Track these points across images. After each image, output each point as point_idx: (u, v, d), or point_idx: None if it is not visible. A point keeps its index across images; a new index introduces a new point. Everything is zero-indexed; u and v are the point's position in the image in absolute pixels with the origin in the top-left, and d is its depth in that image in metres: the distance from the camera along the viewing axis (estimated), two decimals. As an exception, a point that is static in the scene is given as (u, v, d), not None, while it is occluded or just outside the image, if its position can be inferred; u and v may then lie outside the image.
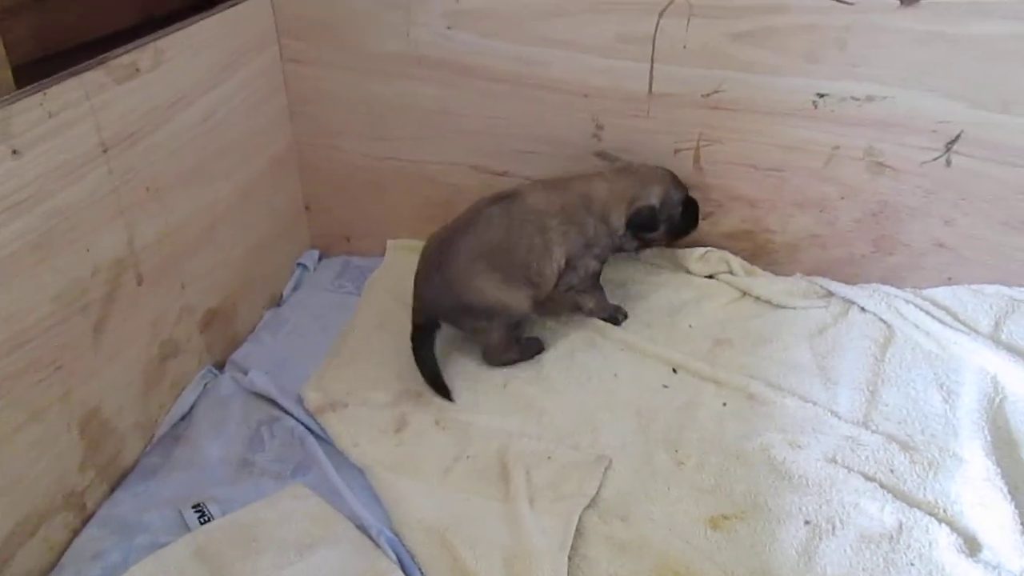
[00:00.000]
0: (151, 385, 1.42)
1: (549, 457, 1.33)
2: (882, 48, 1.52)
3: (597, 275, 1.60)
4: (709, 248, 1.75)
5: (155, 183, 1.39)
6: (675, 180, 1.62)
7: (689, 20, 1.57)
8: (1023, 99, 1.51)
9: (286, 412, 1.46)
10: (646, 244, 1.66)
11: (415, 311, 1.52)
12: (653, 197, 1.57)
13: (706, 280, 1.72)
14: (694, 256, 1.74)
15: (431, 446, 1.37)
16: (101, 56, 1.30)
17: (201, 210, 1.52)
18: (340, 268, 1.89)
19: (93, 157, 1.26)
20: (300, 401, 1.48)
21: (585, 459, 1.32)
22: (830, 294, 1.69)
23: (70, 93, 1.21)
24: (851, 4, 1.50)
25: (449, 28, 1.66)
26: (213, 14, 1.55)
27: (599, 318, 1.63)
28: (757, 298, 1.68)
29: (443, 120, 1.75)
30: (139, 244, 1.36)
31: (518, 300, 1.51)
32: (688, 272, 1.74)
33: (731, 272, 1.72)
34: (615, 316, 1.64)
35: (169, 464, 1.38)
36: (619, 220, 1.57)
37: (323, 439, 1.41)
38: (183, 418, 1.48)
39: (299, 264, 1.89)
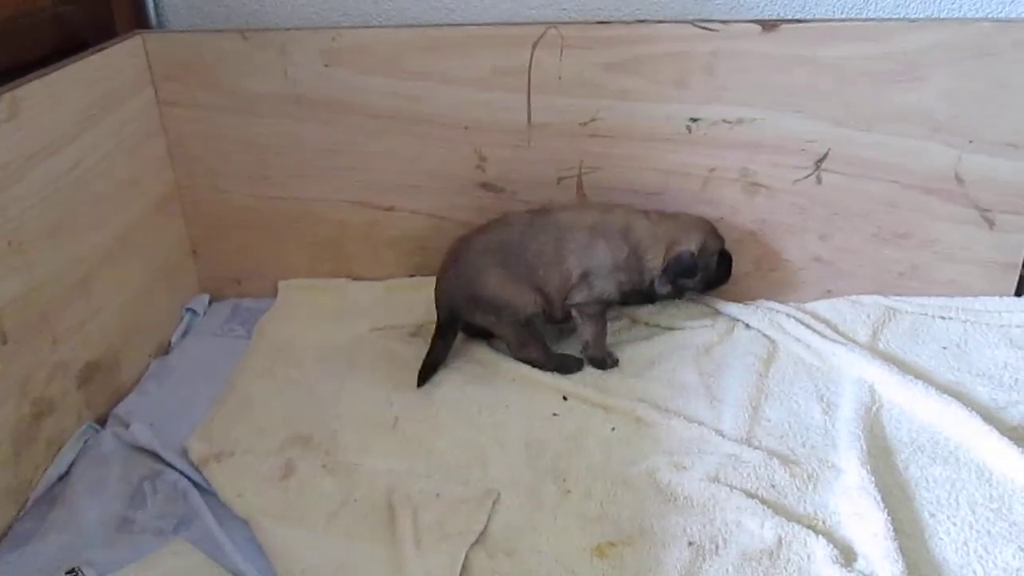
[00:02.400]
0: (23, 447, 1.36)
1: (437, 495, 1.31)
2: (748, 72, 1.57)
3: (607, 304, 1.59)
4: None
5: (17, 237, 1.33)
6: (713, 231, 1.62)
7: (562, 51, 1.59)
8: (882, 117, 1.58)
9: (169, 465, 1.41)
10: (679, 291, 1.64)
11: (436, 307, 1.60)
12: (693, 244, 1.57)
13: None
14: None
15: (317, 492, 1.34)
16: (-49, 109, 1.25)
17: (72, 262, 1.47)
18: (230, 312, 1.85)
19: (-55, 214, 1.21)
20: (185, 453, 1.44)
21: (473, 495, 1.31)
22: (716, 313, 1.72)
23: (-85, 150, 1.17)
24: (715, 31, 1.55)
25: (326, 66, 1.65)
26: (78, 60, 1.51)
27: (586, 355, 1.60)
28: (646, 323, 1.70)
29: (326, 158, 1.74)
30: (1, 302, 1.30)
31: (523, 298, 1.54)
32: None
33: (620, 297, 1.74)
34: (604, 360, 1.60)
35: (44, 528, 1.32)
36: (655, 261, 1.57)
37: (208, 491, 1.37)
38: (61, 478, 1.42)
39: (188, 310, 1.84)
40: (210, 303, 1.89)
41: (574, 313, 1.59)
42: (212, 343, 1.76)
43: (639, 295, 1.62)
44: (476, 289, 1.55)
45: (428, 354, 1.58)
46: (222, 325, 1.82)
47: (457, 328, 1.60)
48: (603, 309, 1.59)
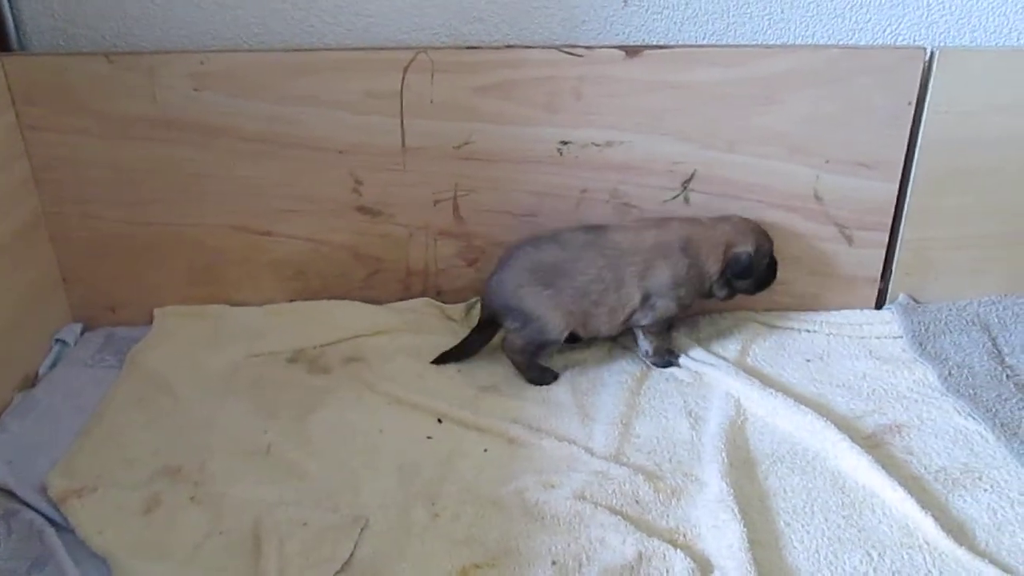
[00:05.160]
0: None
1: (305, 523, 1.29)
2: (614, 96, 1.61)
3: (671, 320, 1.63)
4: (477, 298, 1.78)
5: None
6: (764, 232, 1.65)
7: (433, 75, 1.60)
8: (744, 139, 1.65)
9: (26, 504, 1.36)
10: (733, 293, 1.67)
11: (481, 305, 1.67)
12: (750, 245, 1.61)
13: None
14: (460, 309, 1.79)
15: (182, 525, 1.31)
16: None
17: (-79, 294, 1.41)
18: (103, 341, 1.80)
19: None
20: (44, 490, 1.38)
21: (341, 522, 1.30)
22: (594, 331, 1.75)
23: None
24: (581, 56, 1.59)
25: (196, 90, 1.63)
26: (-73, 85, 1.46)
27: (649, 362, 1.65)
28: (524, 341, 1.72)
29: (199, 182, 1.71)
30: None
31: (555, 322, 1.57)
32: (458, 324, 1.77)
33: (499, 318, 1.76)
34: (668, 362, 1.65)
35: None
36: (714, 266, 1.60)
37: (67, 530, 1.32)
38: (-92, 522, 1.35)
39: (58, 340, 1.78)
40: (82, 332, 1.83)
41: (637, 331, 1.63)
42: (82, 374, 1.70)
43: (703, 297, 1.66)
44: (514, 300, 1.58)
45: (460, 343, 1.65)
46: (94, 355, 1.76)
47: (495, 330, 1.65)
48: (667, 325, 1.64)
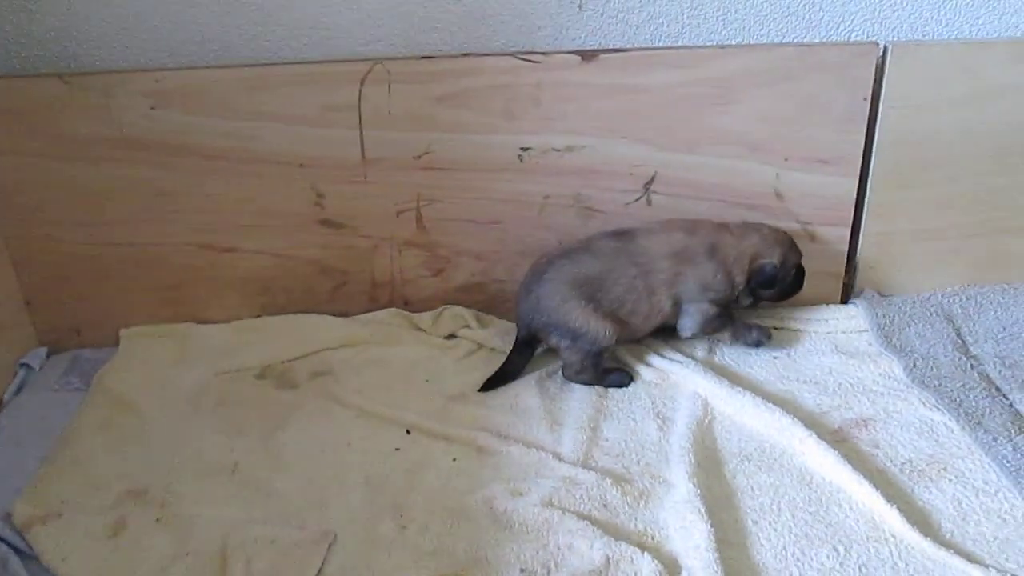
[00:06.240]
0: None
1: (272, 541, 1.29)
2: (572, 101, 1.62)
3: (719, 317, 1.63)
4: (444, 306, 1.78)
5: None
6: (793, 245, 1.67)
7: (390, 87, 1.60)
8: (703, 139, 1.65)
9: (-10, 532, 1.35)
10: (758, 301, 1.69)
11: (517, 325, 1.64)
12: (776, 256, 1.62)
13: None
14: (428, 318, 1.78)
15: (148, 548, 1.30)
16: None
17: None
18: (69, 364, 1.78)
19: None
20: (8, 518, 1.37)
21: (309, 538, 1.29)
22: (562, 336, 1.75)
23: None
24: (538, 63, 1.59)
25: (153, 108, 1.62)
26: None
27: (744, 344, 1.67)
28: (492, 349, 1.72)
29: (160, 201, 1.70)
30: None
31: (602, 331, 1.56)
32: (427, 333, 1.77)
33: (468, 327, 1.76)
34: (759, 340, 1.66)
35: None
36: (741, 275, 1.62)
37: (32, 557, 1.31)
38: None
39: (22, 364, 1.77)
40: (48, 356, 1.82)
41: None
42: (48, 398, 1.69)
43: (732, 302, 1.68)
44: (558, 317, 1.57)
45: (502, 366, 1.62)
46: (59, 379, 1.74)
47: (535, 347, 1.64)
48: (721, 322, 1.64)
